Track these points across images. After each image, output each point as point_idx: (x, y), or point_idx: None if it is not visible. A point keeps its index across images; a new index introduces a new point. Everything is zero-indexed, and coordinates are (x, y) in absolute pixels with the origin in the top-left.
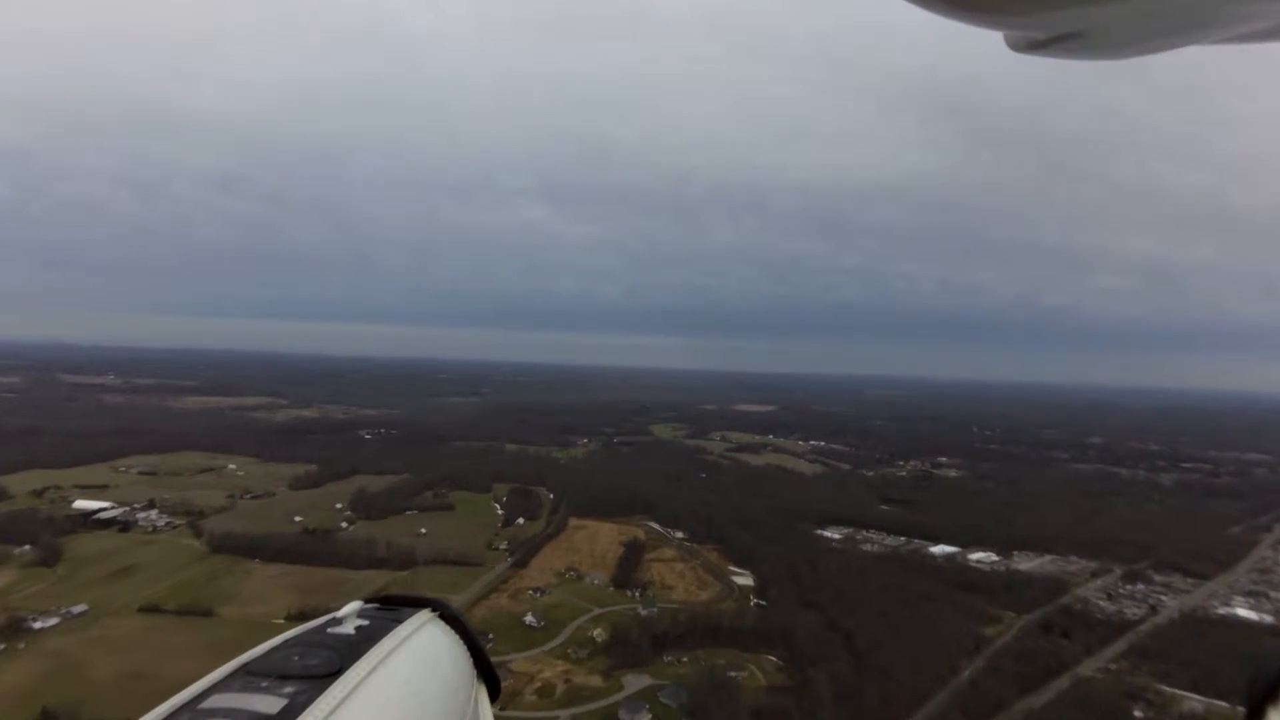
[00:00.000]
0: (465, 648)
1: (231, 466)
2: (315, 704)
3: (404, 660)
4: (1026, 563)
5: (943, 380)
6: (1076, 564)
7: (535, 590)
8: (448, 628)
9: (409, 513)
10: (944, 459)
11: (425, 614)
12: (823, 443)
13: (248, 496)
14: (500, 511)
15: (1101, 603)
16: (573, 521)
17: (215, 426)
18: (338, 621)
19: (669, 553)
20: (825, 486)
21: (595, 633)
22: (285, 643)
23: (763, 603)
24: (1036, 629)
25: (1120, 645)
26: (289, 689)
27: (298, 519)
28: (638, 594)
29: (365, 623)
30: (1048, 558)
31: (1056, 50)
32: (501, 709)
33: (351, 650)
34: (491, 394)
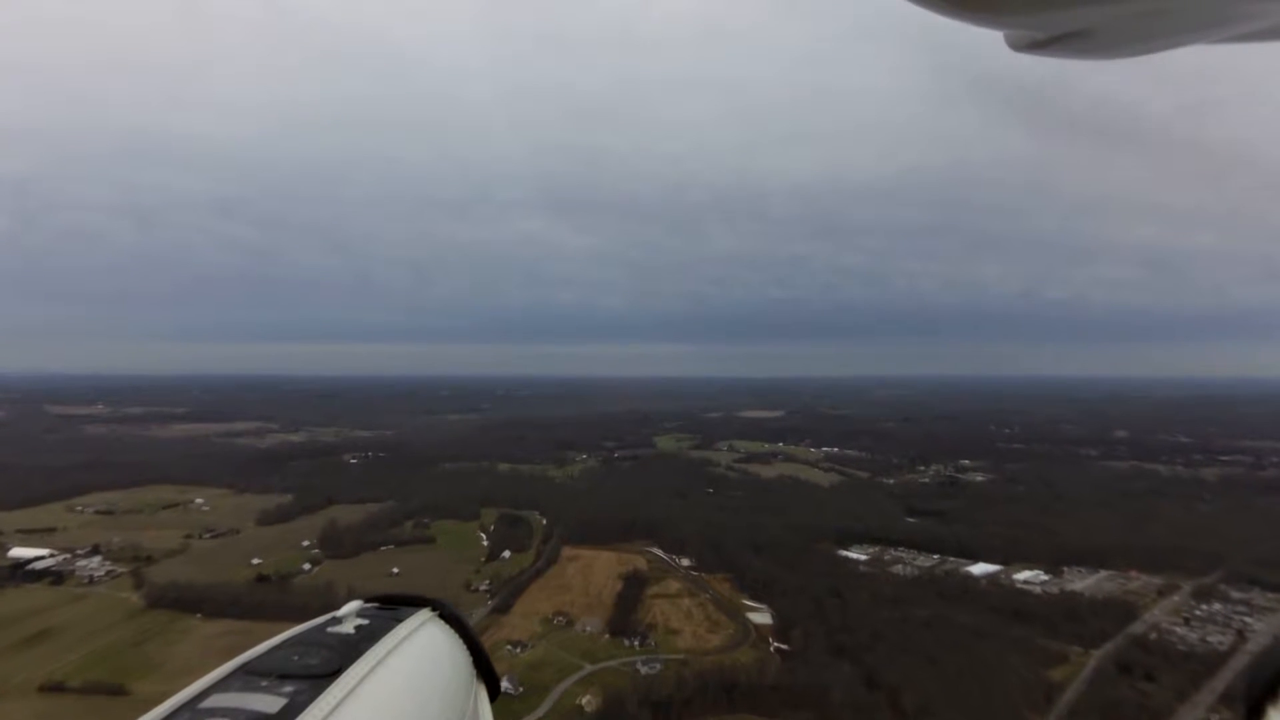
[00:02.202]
0: (465, 647)
1: (199, 501)
2: (315, 703)
3: (404, 660)
4: (1080, 581)
5: (950, 377)
6: (1138, 581)
7: (515, 645)
8: (447, 627)
9: (384, 548)
10: (967, 461)
11: (425, 613)
12: (836, 449)
13: (207, 536)
14: (485, 543)
15: (1178, 629)
16: (566, 551)
17: (193, 456)
18: (337, 621)
19: (674, 585)
20: (844, 498)
21: (584, 700)
22: (285, 642)
23: (784, 647)
24: (1112, 669)
25: (1216, 685)
26: (289, 688)
27: (255, 561)
28: (637, 643)
29: (365, 622)
30: (1103, 574)
31: (1057, 49)
32: None
33: (351, 650)
34: (491, 410)
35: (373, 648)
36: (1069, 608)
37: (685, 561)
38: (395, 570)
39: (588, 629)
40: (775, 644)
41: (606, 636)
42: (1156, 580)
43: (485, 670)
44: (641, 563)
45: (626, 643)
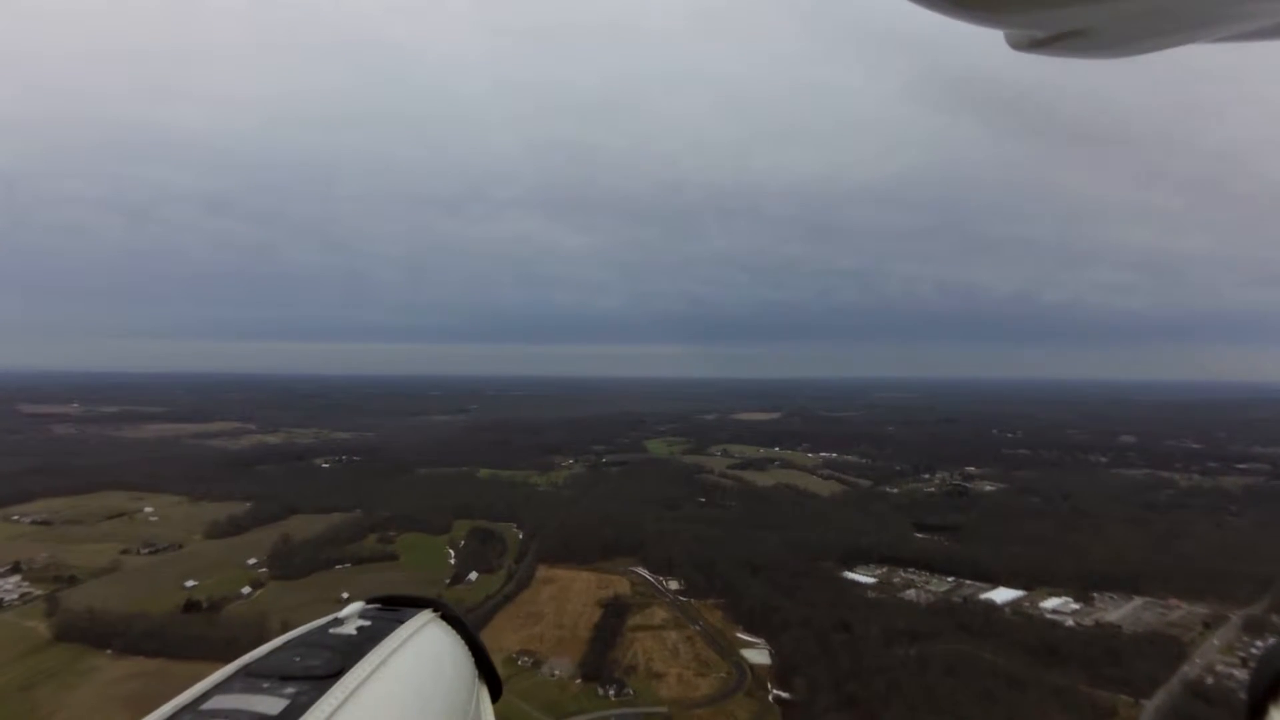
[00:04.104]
0: (467, 648)
1: (148, 510)
2: (317, 705)
3: (406, 661)
4: (1114, 610)
5: (948, 380)
6: (1179, 609)
7: None
8: (449, 628)
9: (339, 567)
10: (973, 469)
11: (427, 614)
12: (835, 454)
13: (145, 551)
14: (453, 560)
15: (1237, 673)
16: (541, 571)
17: (157, 459)
18: (339, 622)
19: (660, 614)
20: (846, 510)
21: None
22: (287, 643)
23: (785, 695)
24: None
25: None
26: (290, 690)
27: (189, 584)
28: (613, 691)
29: (367, 623)
30: (1138, 601)
31: (1057, 49)
32: None
33: (353, 651)
34: (479, 411)
35: (375, 649)
36: (1109, 645)
37: (673, 584)
38: (344, 595)
39: (556, 672)
40: (775, 691)
41: (578, 681)
42: (1200, 609)
43: (487, 671)
44: (624, 586)
45: (600, 690)
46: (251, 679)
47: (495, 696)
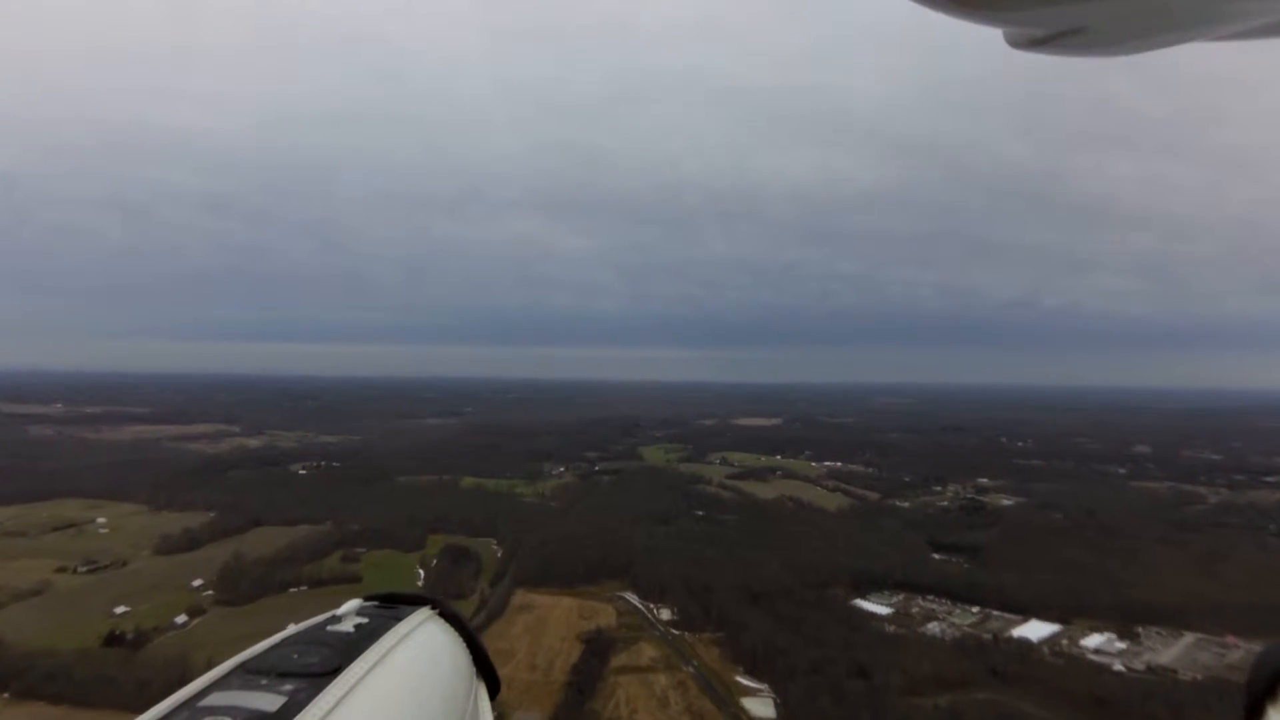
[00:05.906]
0: (464, 645)
1: (101, 520)
2: (315, 702)
3: (403, 658)
4: (1165, 649)
5: (948, 385)
6: (1236, 649)
7: None
8: (447, 625)
9: (294, 589)
10: (985, 480)
11: (425, 612)
12: (839, 463)
13: (83, 569)
14: (421, 583)
15: None
16: (518, 596)
17: (127, 463)
18: (337, 619)
19: (648, 652)
20: (855, 527)
21: None
22: (284, 640)
23: None
24: None
25: None
26: (288, 686)
27: (119, 610)
28: None
29: (364, 620)
30: (1189, 638)
31: (1056, 47)
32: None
33: (351, 648)
34: (473, 414)
35: (372, 646)
36: (1168, 695)
37: (664, 613)
38: (290, 627)
39: None
40: None
41: None
42: (1260, 649)
43: (485, 668)
44: (610, 615)
45: None
46: (249, 675)
47: (493, 694)
